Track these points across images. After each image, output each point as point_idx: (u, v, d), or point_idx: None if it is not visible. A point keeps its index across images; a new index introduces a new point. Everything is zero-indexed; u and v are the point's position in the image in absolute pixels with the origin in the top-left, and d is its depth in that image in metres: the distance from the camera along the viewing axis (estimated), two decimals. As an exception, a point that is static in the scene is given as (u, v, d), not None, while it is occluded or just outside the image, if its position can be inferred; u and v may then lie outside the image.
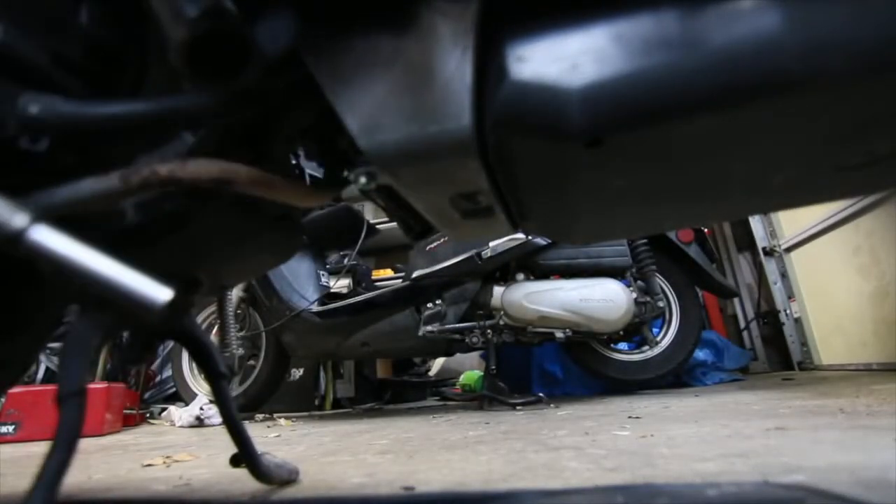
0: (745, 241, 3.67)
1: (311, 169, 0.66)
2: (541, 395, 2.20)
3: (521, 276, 2.37)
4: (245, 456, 0.75)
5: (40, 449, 0.49)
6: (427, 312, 2.37)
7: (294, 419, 2.44)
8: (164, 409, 2.77)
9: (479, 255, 2.30)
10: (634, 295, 2.35)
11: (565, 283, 2.32)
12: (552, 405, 2.12)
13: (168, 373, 3.33)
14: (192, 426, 2.34)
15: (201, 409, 2.38)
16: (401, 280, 2.48)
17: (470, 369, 3.49)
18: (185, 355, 2.75)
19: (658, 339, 2.50)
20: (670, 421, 1.38)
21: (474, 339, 2.32)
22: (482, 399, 2.28)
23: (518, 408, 2.09)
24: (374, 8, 0.38)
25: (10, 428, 2.28)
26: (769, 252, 3.39)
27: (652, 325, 2.45)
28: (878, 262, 2.38)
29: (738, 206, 0.58)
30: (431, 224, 0.53)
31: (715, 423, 1.26)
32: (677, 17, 0.34)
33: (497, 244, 2.29)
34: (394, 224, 0.65)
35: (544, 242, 2.31)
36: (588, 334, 2.32)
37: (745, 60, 0.33)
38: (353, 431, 1.72)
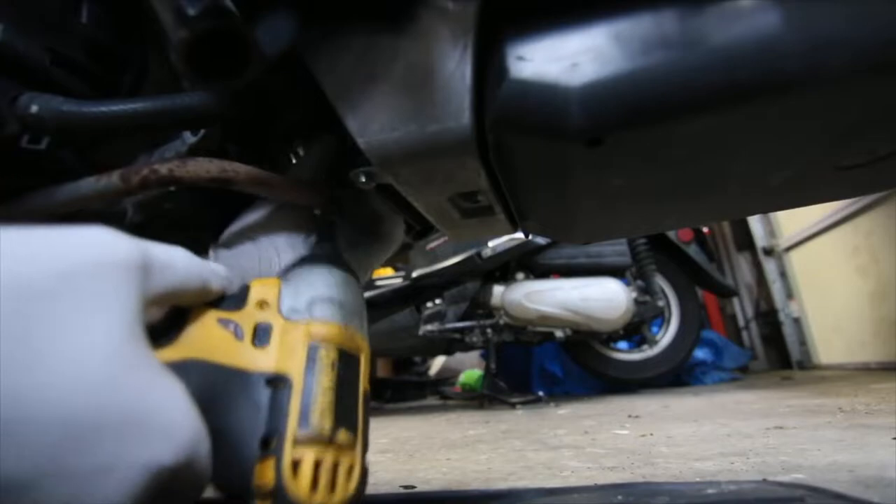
0: (745, 240, 3.67)
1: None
2: (540, 394, 2.21)
3: (520, 275, 2.37)
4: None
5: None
6: (427, 312, 2.37)
7: (294, 418, 2.44)
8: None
9: (479, 254, 2.30)
10: (634, 294, 2.35)
11: (565, 282, 2.32)
12: (552, 404, 2.12)
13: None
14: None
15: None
16: (401, 280, 2.48)
17: (470, 368, 3.49)
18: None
19: (658, 338, 2.50)
20: (670, 420, 1.38)
21: (474, 339, 2.33)
22: (482, 398, 2.28)
23: (518, 407, 2.09)
24: (373, 8, 0.38)
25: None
26: (768, 252, 3.39)
27: (651, 325, 2.45)
28: (877, 262, 2.38)
29: (739, 206, 0.58)
30: (431, 223, 0.53)
31: (714, 422, 1.26)
32: (677, 17, 0.34)
33: (497, 243, 2.29)
34: (394, 223, 0.65)
35: (544, 242, 2.31)
36: (588, 333, 2.33)
37: (745, 60, 0.33)
38: (352, 431, 1.72)
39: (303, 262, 0.38)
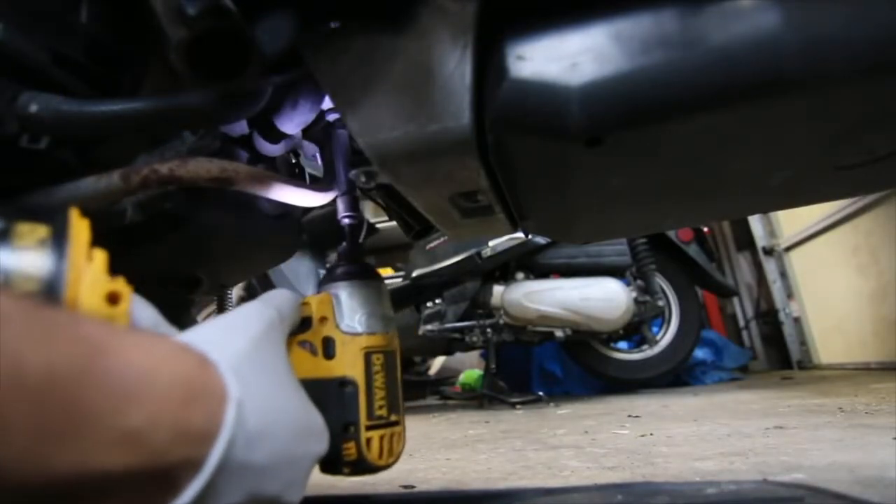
0: (745, 240, 3.67)
1: (311, 168, 0.66)
2: (540, 394, 2.21)
3: (520, 275, 2.37)
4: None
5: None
6: (427, 311, 2.37)
7: (294, 418, 2.44)
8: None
9: (478, 254, 2.30)
10: (634, 294, 2.35)
11: (565, 282, 2.32)
12: (552, 404, 2.12)
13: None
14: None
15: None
16: (401, 279, 2.48)
17: (470, 368, 3.49)
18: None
19: (658, 338, 2.50)
20: (670, 420, 1.38)
21: (474, 338, 2.32)
22: (482, 398, 2.28)
23: (518, 407, 2.09)
24: (373, 7, 0.38)
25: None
26: (769, 251, 3.39)
27: (651, 325, 2.45)
28: (877, 262, 2.38)
29: (738, 206, 0.58)
30: (431, 223, 0.53)
31: (714, 421, 1.26)
32: (677, 16, 0.34)
33: (497, 243, 2.29)
34: (394, 223, 0.65)
35: (544, 242, 2.31)
36: (588, 333, 2.32)
37: (745, 59, 0.33)
38: (352, 430, 1.72)
39: (342, 273, 0.45)
